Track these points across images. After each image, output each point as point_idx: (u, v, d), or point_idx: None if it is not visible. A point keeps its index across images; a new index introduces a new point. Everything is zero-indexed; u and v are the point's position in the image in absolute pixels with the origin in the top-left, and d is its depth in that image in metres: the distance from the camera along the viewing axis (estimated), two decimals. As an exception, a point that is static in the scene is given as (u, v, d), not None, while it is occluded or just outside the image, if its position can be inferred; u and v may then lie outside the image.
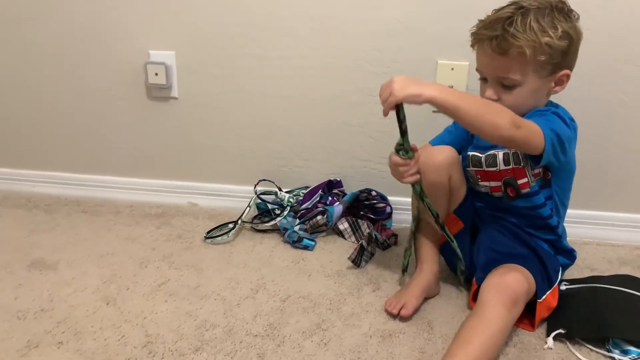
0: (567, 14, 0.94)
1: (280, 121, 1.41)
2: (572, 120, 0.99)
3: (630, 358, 0.88)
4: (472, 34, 0.99)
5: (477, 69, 1.01)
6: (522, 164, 0.99)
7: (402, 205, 1.37)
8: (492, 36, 0.93)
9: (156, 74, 1.37)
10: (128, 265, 1.18)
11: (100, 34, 1.39)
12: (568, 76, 0.98)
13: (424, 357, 0.90)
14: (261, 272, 1.15)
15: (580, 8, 0.97)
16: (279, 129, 1.41)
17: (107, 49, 1.40)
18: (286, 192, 1.41)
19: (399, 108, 0.89)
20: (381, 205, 1.37)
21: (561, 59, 0.94)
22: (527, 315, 0.96)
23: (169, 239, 1.30)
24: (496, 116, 0.87)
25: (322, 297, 1.06)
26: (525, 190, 1.00)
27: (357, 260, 1.17)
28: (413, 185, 0.99)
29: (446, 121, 1.13)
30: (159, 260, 1.20)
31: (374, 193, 1.38)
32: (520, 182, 1.00)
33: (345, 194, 1.39)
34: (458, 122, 0.90)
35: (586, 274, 1.14)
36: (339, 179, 1.41)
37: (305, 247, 1.27)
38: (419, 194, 1.00)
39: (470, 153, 1.05)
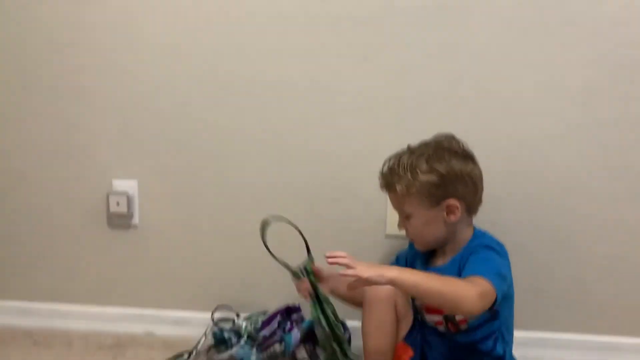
0: (448, 152, 1.07)
1: (239, 247, 1.43)
2: (500, 244, 1.07)
3: None
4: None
5: None
6: None
7: (360, 330, 1.37)
8: (382, 175, 1.11)
9: (118, 204, 1.41)
10: (75, 405, 1.13)
11: (64, 164, 1.45)
12: (456, 206, 1.06)
13: None
14: (213, 410, 1.11)
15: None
16: (237, 255, 1.44)
17: (71, 179, 1.45)
18: (244, 318, 1.39)
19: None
20: (339, 330, 1.36)
21: (437, 191, 1.05)
22: None
23: (122, 373, 1.26)
24: (461, 290, 0.92)
25: None
26: (463, 327, 1.05)
27: (313, 393, 1.15)
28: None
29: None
30: (108, 398, 1.15)
31: (332, 318, 1.38)
32: (458, 318, 1.05)
33: (303, 319, 1.39)
34: (421, 299, 1.00)
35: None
36: (297, 305, 1.41)
37: (263, 378, 1.24)
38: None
39: None
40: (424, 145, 1.10)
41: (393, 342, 1.09)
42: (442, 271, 1.06)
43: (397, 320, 1.11)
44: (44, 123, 1.43)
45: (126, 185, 1.42)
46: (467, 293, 0.90)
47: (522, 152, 1.31)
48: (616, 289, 1.32)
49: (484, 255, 1.02)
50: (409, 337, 1.11)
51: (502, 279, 0.98)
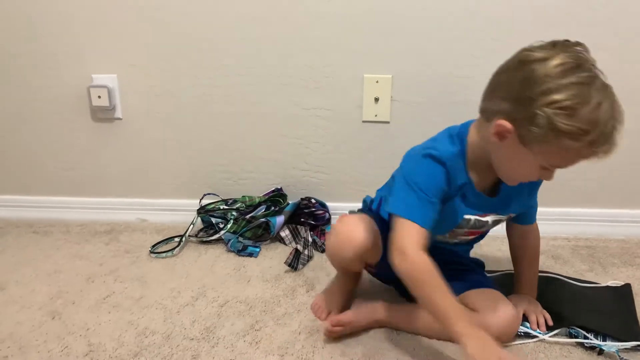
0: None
1: (223, 137, 1.48)
2: None
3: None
4: None
5: None
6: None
7: (340, 211, 1.45)
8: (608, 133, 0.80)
9: (99, 97, 1.43)
10: (75, 281, 1.23)
11: (43, 59, 1.44)
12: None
13: (347, 349, 0.97)
14: (203, 281, 1.22)
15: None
16: (222, 144, 1.49)
17: (51, 74, 1.45)
18: (231, 203, 1.47)
19: None
20: (320, 212, 1.45)
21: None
22: None
23: (117, 254, 1.35)
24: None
25: (258, 301, 1.13)
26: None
27: (294, 263, 1.25)
28: None
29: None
30: (106, 275, 1.25)
31: (313, 201, 1.47)
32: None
33: (287, 202, 1.47)
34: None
35: (505, 264, 1.22)
36: (280, 187, 1.49)
37: (250, 255, 1.34)
38: None
39: (471, 217, 0.96)
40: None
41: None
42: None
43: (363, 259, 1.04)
44: (20, 17, 1.41)
45: (106, 79, 1.44)
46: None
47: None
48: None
49: None
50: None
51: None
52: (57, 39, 1.42)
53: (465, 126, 0.93)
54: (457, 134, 0.92)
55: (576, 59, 0.78)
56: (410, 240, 0.86)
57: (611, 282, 1.16)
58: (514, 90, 0.80)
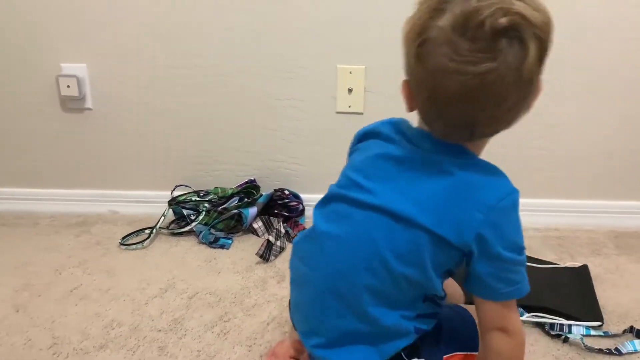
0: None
1: (196, 127, 1.46)
2: None
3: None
4: None
5: None
6: None
7: (313, 203, 1.45)
8: None
9: (68, 86, 1.40)
10: (43, 273, 1.21)
11: (10, 48, 1.41)
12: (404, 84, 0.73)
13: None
14: (173, 273, 1.20)
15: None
16: (195, 135, 1.47)
17: (19, 63, 1.42)
18: (203, 194, 1.46)
19: None
20: (294, 203, 1.45)
21: None
22: None
23: (87, 246, 1.33)
24: None
25: (228, 292, 1.13)
26: None
27: (266, 255, 1.24)
28: None
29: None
30: (74, 267, 1.23)
31: (287, 192, 1.46)
32: None
33: (260, 194, 1.46)
34: None
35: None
36: (253, 178, 1.48)
37: (222, 247, 1.33)
38: None
39: None
40: None
41: None
42: None
43: None
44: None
45: (75, 68, 1.41)
46: None
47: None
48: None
49: None
50: None
51: None
52: (25, 27, 1.39)
53: (465, 154, 0.74)
54: (485, 162, 0.75)
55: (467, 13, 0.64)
56: (518, 319, 0.76)
57: (569, 264, 1.19)
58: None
